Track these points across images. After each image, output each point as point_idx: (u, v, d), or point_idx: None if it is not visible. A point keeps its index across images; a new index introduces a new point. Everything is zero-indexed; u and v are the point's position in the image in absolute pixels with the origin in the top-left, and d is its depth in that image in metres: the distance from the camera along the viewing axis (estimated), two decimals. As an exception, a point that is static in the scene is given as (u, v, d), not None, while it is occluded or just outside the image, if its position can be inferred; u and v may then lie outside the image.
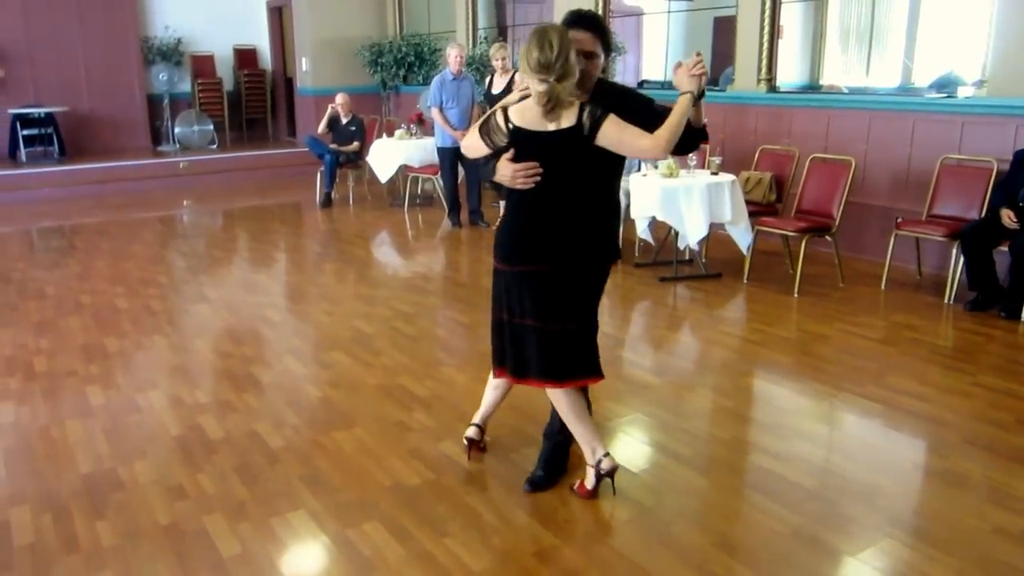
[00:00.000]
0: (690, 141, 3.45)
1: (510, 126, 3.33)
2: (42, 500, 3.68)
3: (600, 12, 9.93)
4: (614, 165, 3.46)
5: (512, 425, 4.30)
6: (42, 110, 13.17)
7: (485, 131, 3.41)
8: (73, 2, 13.83)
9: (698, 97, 3.33)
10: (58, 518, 3.53)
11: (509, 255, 3.49)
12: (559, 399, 3.57)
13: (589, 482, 3.61)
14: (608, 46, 3.50)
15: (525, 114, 3.31)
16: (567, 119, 3.25)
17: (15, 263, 8.19)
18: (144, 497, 3.68)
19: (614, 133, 3.24)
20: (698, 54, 3.39)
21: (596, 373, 3.60)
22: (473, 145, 3.51)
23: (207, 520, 3.48)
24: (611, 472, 3.58)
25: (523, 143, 3.33)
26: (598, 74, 3.47)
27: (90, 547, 3.31)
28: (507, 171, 3.35)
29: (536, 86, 3.21)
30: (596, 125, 3.23)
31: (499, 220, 3.76)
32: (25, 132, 13.04)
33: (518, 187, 3.36)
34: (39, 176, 12.37)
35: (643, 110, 3.39)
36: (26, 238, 9.73)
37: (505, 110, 3.36)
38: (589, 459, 3.59)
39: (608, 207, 3.57)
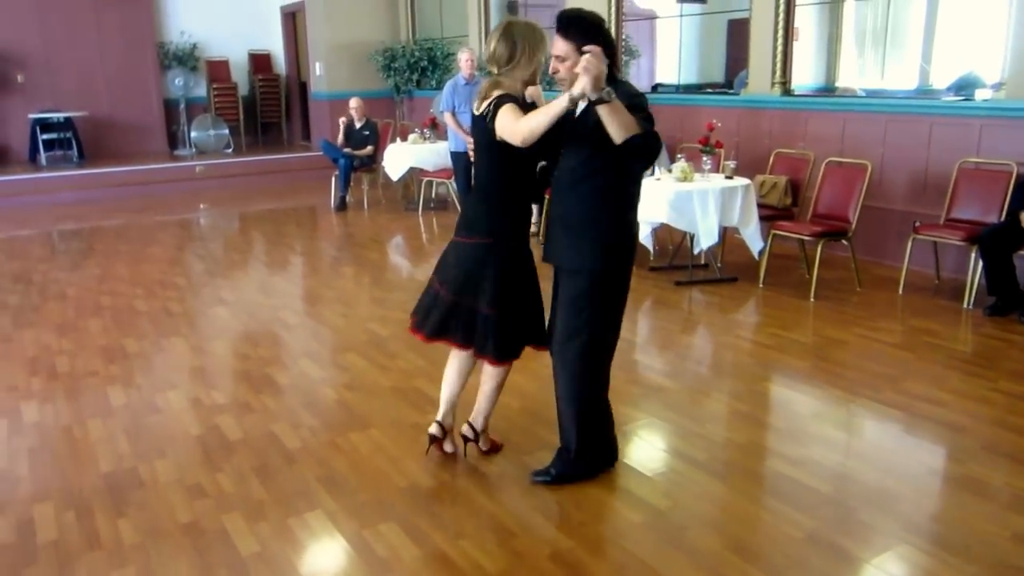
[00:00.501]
0: (628, 152, 3.23)
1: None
2: (65, 498, 3.72)
3: (612, 15, 9.94)
4: (505, 149, 3.46)
5: (527, 428, 4.33)
6: (61, 115, 13.32)
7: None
8: (91, 8, 13.97)
9: (596, 101, 3.04)
10: (80, 516, 3.57)
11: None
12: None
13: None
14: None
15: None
16: (483, 106, 3.52)
17: (37, 265, 8.29)
18: (164, 496, 3.71)
19: (499, 119, 3.41)
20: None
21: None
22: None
23: (226, 519, 3.51)
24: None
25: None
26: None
27: (112, 544, 3.35)
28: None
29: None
30: (494, 114, 3.44)
31: None
32: (45, 136, 13.22)
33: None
34: (59, 180, 12.50)
35: (627, 100, 3.20)
36: (47, 240, 9.82)
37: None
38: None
39: (512, 193, 3.68)
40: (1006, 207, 6.24)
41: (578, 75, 3.01)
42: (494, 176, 3.67)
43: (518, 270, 3.71)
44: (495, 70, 3.50)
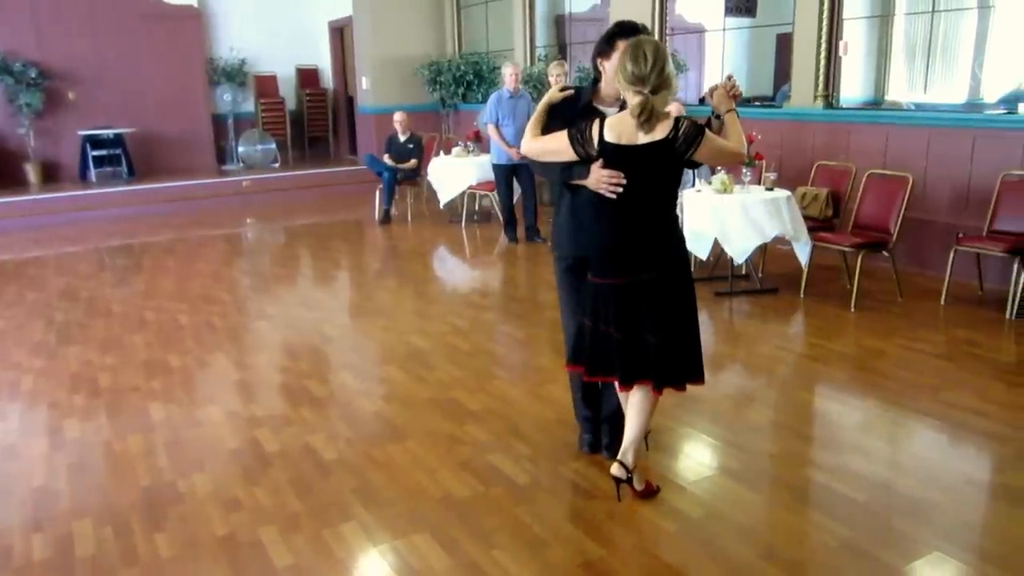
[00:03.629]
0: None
1: (602, 139, 3.42)
2: (103, 513, 3.78)
3: (657, 30, 9.96)
4: (680, 176, 3.57)
5: (561, 438, 4.34)
6: (111, 131, 13.52)
7: (578, 140, 3.48)
8: (141, 26, 14.17)
9: (725, 114, 3.56)
10: (119, 531, 3.62)
11: (601, 267, 3.61)
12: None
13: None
14: None
15: (618, 127, 3.39)
16: (661, 131, 3.33)
17: (84, 282, 8.42)
18: (202, 509, 3.77)
19: (713, 146, 3.40)
20: (730, 76, 3.61)
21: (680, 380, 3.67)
22: (554, 149, 3.59)
23: (262, 532, 3.56)
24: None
25: (612, 156, 3.42)
26: None
27: (149, 559, 3.40)
28: (595, 176, 3.46)
29: (631, 98, 3.33)
30: (692, 141, 3.34)
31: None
32: (95, 153, 13.42)
33: (601, 191, 3.45)
34: (108, 196, 12.68)
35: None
36: (96, 257, 9.97)
37: (602, 122, 3.44)
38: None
39: (673, 216, 3.66)
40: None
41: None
42: (673, 199, 3.66)
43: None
44: (644, 91, 3.28)
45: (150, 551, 3.45)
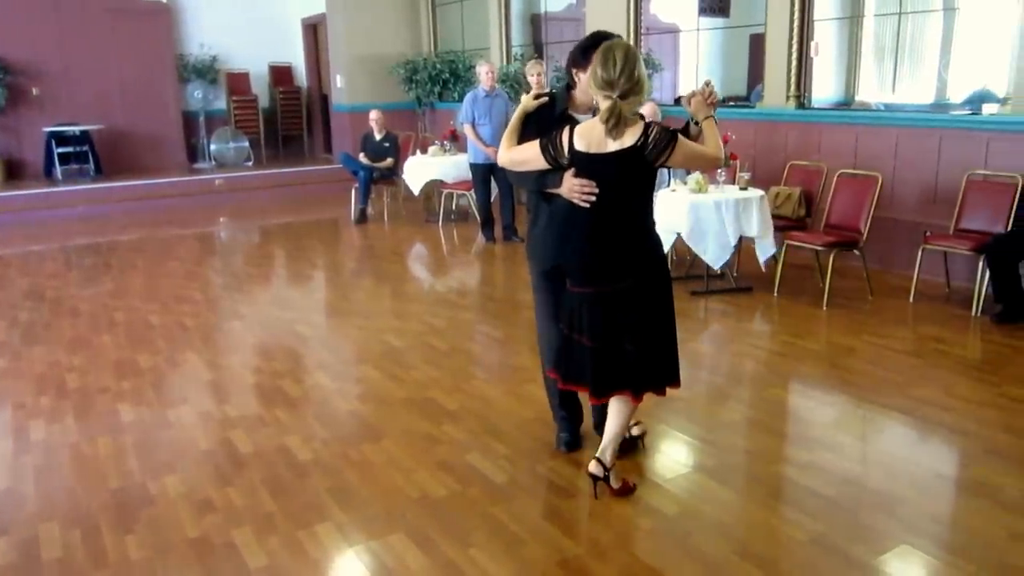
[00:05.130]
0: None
1: (572, 148, 3.41)
2: (71, 515, 3.74)
3: (632, 29, 10.00)
4: (653, 182, 3.54)
5: (539, 437, 4.35)
6: (77, 128, 13.33)
7: (549, 150, 3.48)
8: (109, 20, 13.96)
9: (703, 120, 3.57)
10: (87, 533, 3.58)
11: (576, 276, 3.61)
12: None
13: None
14: None
15: (587, 135, 3.39)
16: (630, 137, 3.31)
17: (49, 281, 8.31)
18: (173, 511, 3.74)
19: (688, 152, 3.39)
20: (708, 83, 3.62)
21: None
22: (527, 159, 3.59)
23: (235, 533, 3.53)
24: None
25: (582, 164, 3.42)
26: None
27: (118, 561, 3.37)
28: (566, 185, 3.47)
29: (601, 103, 3.32)
30: (663, 147, 3.31)
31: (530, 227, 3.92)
32: (60, 150, 13.19)
33: (574, 200, 3.46)
34: (74, 194, 12.51)
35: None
36: (61, 256, 9.82)
37: (572, 131, 3.43)
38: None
39: (650, 222, 3.64)
40: (1012, 218, 6.36)
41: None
42: (646, 209, 3.60)
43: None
44: (613, 95, 3.26)
45: (119, 553, 3.42)
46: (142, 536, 3.54)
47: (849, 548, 3.32)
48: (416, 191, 10.74)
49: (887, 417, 4.62)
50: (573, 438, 4.19)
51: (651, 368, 3.59)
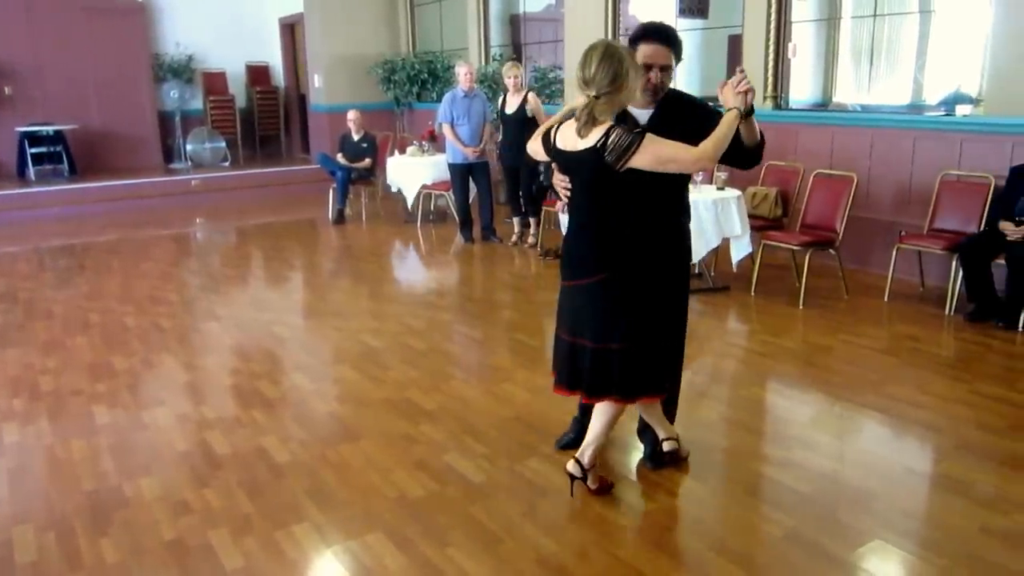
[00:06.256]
0: (749, 156, 3.60)
1: (553, 144, 3.49)
2: (45, 518, 3.70)
3: (611, 30, 10.02)
4: (629, 183, 3.35)
5: (517, 436, 4.36)
6: (51, 128, 13.17)
7: (545, 142, 3.59)
8: (82, 18, 13.80)
9: (747, 113, 3.39)
10: (61, 536, 3.55)
11: (561, 268, 3.69)
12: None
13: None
14: (679, 56, 3.63)
15: (566, 131, 3.42)
16: (593, 137, 3.29)
17: (23, 282, 8.22)
18: (149, 513, 3.72)
19: (655, 153, 3.23)
20: (741, 70, 3.42)
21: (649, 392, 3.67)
22: (535, 150, 3.73)
23: (212, 535, 3.52)
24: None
25: (557, 160, 3.52)
26: (669, 84, 3.64)
27: (93, 564, 3.34)
28: (554, 178, 3.60)
29: (579, 100, 3.35)
30: (623, 150, 3.22)
31: None
32: (34, 150, 13.02)
33: (559, 193, 3.60)
34: (48, 195, 12.35)
35: (708, 120, 3.42)
36: (35, 257, 9.70)
37: (559, 125, 3.49)
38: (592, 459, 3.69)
39: (625, 221, 3.48)
40: (984, 217, 6.42)
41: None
42: (624, 208, 3.44)
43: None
44: (592, 93, 3.25)
45: (94, 556, 3.39)
46: (117, 538, 3.51)
47: (825, 543, 3.35)
48: (410, 200, 10.54)
49: (863, 415, 4.67)
50: (574, 439, 4.09)
51: (614, 370, 3.52)
